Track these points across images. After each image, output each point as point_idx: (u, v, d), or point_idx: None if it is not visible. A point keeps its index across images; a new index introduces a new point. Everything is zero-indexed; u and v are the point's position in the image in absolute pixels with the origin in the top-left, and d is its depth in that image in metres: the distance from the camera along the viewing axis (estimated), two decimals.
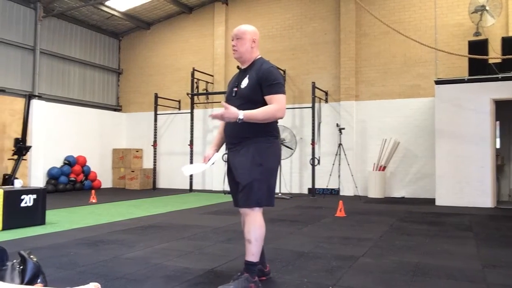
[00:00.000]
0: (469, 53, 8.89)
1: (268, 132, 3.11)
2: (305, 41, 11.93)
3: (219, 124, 3.47)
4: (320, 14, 11.84)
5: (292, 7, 12.23)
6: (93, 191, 9.85)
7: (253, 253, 3.08)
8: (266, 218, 7.09)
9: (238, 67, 3.36)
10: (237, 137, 3.14)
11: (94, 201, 9.11)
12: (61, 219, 6.58)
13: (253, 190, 3.02)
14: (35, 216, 5.97)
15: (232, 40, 3.26)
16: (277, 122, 3.19)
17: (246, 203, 3.06)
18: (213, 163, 3.33)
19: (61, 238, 5.07)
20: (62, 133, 12.07)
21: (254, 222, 3.07)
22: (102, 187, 13.10)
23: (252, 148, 3.05)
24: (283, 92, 3.07)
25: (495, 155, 8.67)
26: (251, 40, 3.21)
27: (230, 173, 3.25)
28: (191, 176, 12.33)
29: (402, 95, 10.77)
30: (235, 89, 3.21)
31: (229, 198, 10.28)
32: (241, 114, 2.93)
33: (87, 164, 12.61)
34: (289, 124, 11.37)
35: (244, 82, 3.16)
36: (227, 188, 12.46)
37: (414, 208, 8.31)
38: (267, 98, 3.04)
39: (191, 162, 12.43)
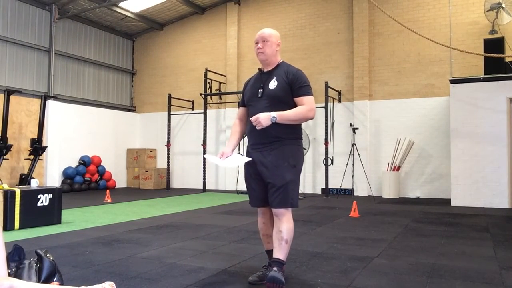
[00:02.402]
0: (485, 52, 8.77)
1: (297, 134, 3.24)
2: (318, 41, 11.88)
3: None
4: (333, 13, 11.79)
5: (304, 7, 12.19)
6: (107, 191, 9.95)
7: (286, 253, 3.11)
8: None
9: (259, 69, 3.41)
10: (268, 137, 3.15)
11: (109, 200, 9.20)
12: (77, 219, 6.66)
13: (288, 191, 3.09)
14: (51, 215, 6.05)
15: (257, 43, 3.31)
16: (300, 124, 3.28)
17: (282, 204, 3.09)
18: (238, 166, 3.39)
19: (77, 237, 5.13)
20: (77, 134, 12.21)
21: (289, 223, 3.11)
22: (116, 187, 13.22)
23: (287, 150, 3.14)
24: (312, 94, 3.19)
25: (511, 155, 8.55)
26: (276, 43, 3.33)
27: (255, 172, 3.23)
28: (204, 176, 12.38)
29: (417, 94, 10.67)
30: (260, 90, 3.25)
31: (242, 198, 10.30)
32: (274, 114, 3.02)
33: (102, 164, 12.73)
34: (302, 124, 11.33)
35: (272, 84, 3.21)
36: (241, 188, 12.53)
37: (429, 208, 8.22)
38: (297, 99, 3.13)
39: (204, 163, 12.47)
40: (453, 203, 8.69)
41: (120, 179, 13.62)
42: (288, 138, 3.15)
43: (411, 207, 8.42)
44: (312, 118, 3.14)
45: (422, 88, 10.63)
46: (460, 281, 3.36)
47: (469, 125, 8.65)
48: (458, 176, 8.69)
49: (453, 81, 8.91)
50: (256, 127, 3.05)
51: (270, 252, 3.35)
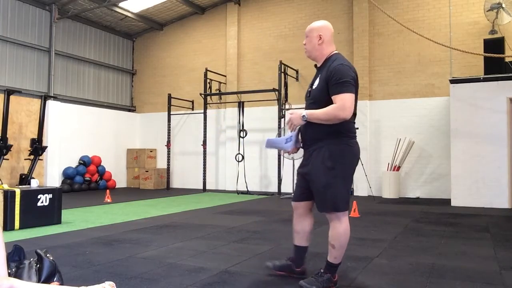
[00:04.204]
0: (485, 52, 8.77)
1: (340, 133, 2.98)
2: None
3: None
4: (333, 13, 11.78)
5: (304, 7, 12.19)
6: (108, 191, 9.94)
7: (335, 257, 3.06)
8: (279, 218, 7.11)
9: (315, 65, 3.24)
10: (310, 138, 3.09)
11: (109, 200, 9.20)
12: (77, 219, 6.66)
13: (326, 196, 2.98)
14: (51, 215, 6.05)
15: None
16: (353, 121, 3.05)
17: (323, 208, 3.04)
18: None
19: (77, 237, 5.13)
20: (77, 134, 12.21)
21: (338, 229, 3.02)
22: (116, 187, 13.22)
23: (324, 151, 2.98)
24: (349, 91, 2.89)
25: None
26: (317, 36, 3.07)
27: (300, 170, 3.22)
28: (204, 176, 12.39)
29: (417, 94, 10.67)
30: (309, 89, 3.18)
31: (242, 198, 10.32)
32: (304, 112, 2.94)
33: (102, 164, 12.73)
34: None
35: (316, 82, 3.10)
36: (241, 188, 12.54)
37: (429, 208, 8.22)
38: (332, 98, 2.91)
39: (204, 163, 12.46)
40: (453, 203, 8.69)
41: (120, 179, 13.62)
42: (328, 138, 2.97)
43: (411, 207, 8.42)
44: (345, 119, 2.87)
45: (422, 88, 10.63)
46: (460, 281, 3.36)
47: (469, 125, 8.65)
48: (458, 176, 8.69)
49: (453, 81, 8.91)
50: (289, 128, 3.03)
51: (296, 247, 3.34)
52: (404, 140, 10.48)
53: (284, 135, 3.25)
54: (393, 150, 10.52)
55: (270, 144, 3.28)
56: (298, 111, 2.99)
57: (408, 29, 8.76)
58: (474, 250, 4.50)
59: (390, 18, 8.99)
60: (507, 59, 8.67)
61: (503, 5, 9.22)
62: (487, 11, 9.42)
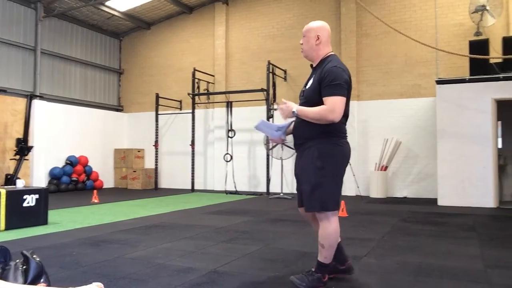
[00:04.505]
0: (470, 53, 8.88)
1: (330, 133, 2.99)
2: None
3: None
4: (321, 14, 11.82)
5: (292, 7, 12.22)
6: (95, 191, 9.86)
7: (325, 256, 3.08)
8: (268, 218, 7.12)
9: (311, 65, 3.24)
10: (300, 137, 3.11)
11: (96, 201, 9.12)
12: (64, 219, 6.59)
13: (314, 195, 2.98)
14: (38, 216, 5.98)
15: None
16: (344, 122, 3.06)
17: (310, 208, 3.05)
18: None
19: (64, 238, 5.08)
20: (63, 133, 12.08)
21: (327, 229, 3.03)
22: (104, 187, 13.11)
23: (313, 150, 2.99)
24: (340, 94, 2.90)
25: (497, 155, 8.66)
26: (315, 37, 3.07)
27: (295, 172, 3.23)
28: (192, 176, 12.36)
29: (404, 95, 10.76)
30: (303, 89, 3.19)
31: (231, 198, 10.31)
32: (295, 108, 2.94)
33: (89, 164, 12.62)
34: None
35: (310, 82, 3.11)
36: (229, 188, 12.54)
37: (416, 208, 8.30)
38: (323, 99, 2.92)
39: (193, 163, 12.44)
40: (439, 203, 8.79)
41: (108, 179, 13.51)
42: (317, 138, 2.99)
43: (399, 206, 8.50)
44: (334, 121, 2.90)
45: (409, 88, 10.73)
46: (446, 279, 3.40)
47: (455, 125, 8.75)
48: (445, 176, 8.79)
49: (439, 82, 9.01)
50: (282, 116, 3.04)
51: None
52: (391, 140, 10.57)
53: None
54: (381, 150, 10.60)
55: (261, 126, 3.22)
56: (291, 104, 3.00)
57: (395, 30, 8.84)
58: (460, 249, 4.56)
59: (378, 19, 9.06)
60: (491, 61, 8.79)
61: (487, 8, 9.35)
62: (472, 13, 9.55)
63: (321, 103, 2.94)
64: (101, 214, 7.25)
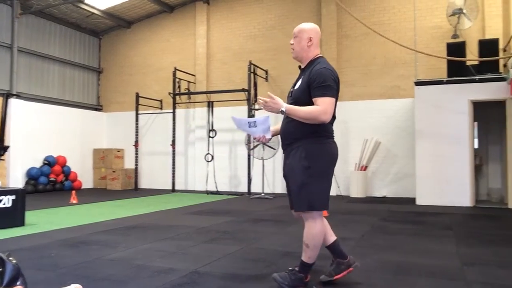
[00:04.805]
0: (448, 55, 9.05)
1: (318, 132, 3.01)
2: (287, 42, 11.82)
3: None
4: (302, 15, 11.90)
5: (273, 8, 12.26)
6: (73, 192, 9.70)
7: (309, 256, 3.10)
8: (249, 218, 7.12)
9: (299, 66, 3.24)
10: (287, 137, 3.12)
11: (74, 201, 8.98)
12: (41, 220, 6.47)
13: (301, 195, 3.00)
14: (14, 217, 5.86)
15: (291, 39, 3.19)
16: (331, 123, 3.09)
17: (297, 207, 3.07)
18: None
19: (41, 239, 4.99)
20: (41, 133, 11.86)
21: (313, 229, 3.05)
22: (82, 187, 12.92)
23: (300, 150, 3.01)
24: (331, 95, 2.93)
25: (473, 155, 8.85)
26: (307, 38, 3.09)
27: (284, 173, 3.22)
28: (173, 176, 12.29)
29: (383, 95, 10.90)
30: (292, 89, 3.19)
31: (212, 198, 10.28)
32: (284, 106, 2.92)
33: (67, 164, 12.42)
34: (272, 124, 11.39)
35: (298, 83, 3.12)
36: (210, 188, 12.49)
37: (395, 207, 8.42)
38: (314, 100, 2.94)
39: (173, 163, 12.36)
40: (418, 202, 8.93)
41: (86, 180, 13.32)
42: (305, 138, 3.00)
43: (378, 206, 8.60)
44: (325, 122, 2.93)
45: (388, 89, 10.87)
46: (424, 277, 3.46)
47: (433, 126, 8.91)
48: (423, 175, 8.94)
49: (418, 83, 9.16)
50: (264, 109, 3.02)
51: (327, 247, 3.32)
52: (371, 140, 10.69)
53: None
54: (361, 150, 10.72)
55: (236, 124, 3.21)
56: (279, 101, 2.95)
57: (374, 32, 8.94)
58: (438, 247, 4.65)
59: (358, 21, 9.15)
60: (468, 63, 8.98)
61: (464, 11, 9.55)
62: (449, 16, 9.74)
63: (309, 104, 2.96)
64: (80, 215, 7.14)
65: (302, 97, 3.01)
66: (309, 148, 3.00)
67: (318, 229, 3.05)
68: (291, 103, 3.04)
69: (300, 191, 3.00)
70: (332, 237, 3.28)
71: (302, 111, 2.92)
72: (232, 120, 3.19)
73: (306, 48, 3.11)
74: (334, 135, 3.15)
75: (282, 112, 2.95)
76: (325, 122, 2.94)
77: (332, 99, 2.94)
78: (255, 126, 3.08)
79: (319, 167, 3.00)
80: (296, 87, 3.12)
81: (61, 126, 12.51)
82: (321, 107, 2.89)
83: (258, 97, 3.02)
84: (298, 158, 3.01)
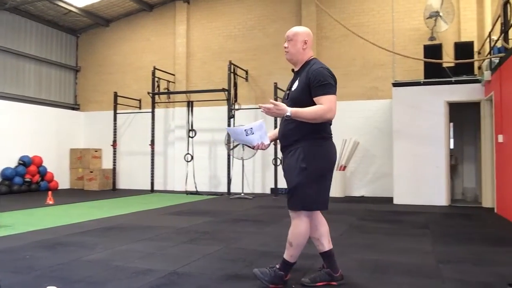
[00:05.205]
0: (425, 57, 9.21)
1: (316, 133, 3.05)
2: (267, 42, 12.00)
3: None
4: (282, 16, 11.94)
5: (254, 8, 12.27)
6: (49, 192, 9.52)
7: (291, 255, 3.12)
8: (229, 218, 7.11)
9: (292, 69, 3.30)
10: (286, 139, 3.13)
11: (51, 202, 8.81)
12: (16, 222, 6.33)
13: (296, 195, 3.02)
14: None
15: (285, 42, 3.21)
16: (330, 123, 3.12)
17: (291, 206, 3.08)
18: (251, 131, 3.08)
19: (16, 241, 4.88)
20: (16, 132, 11.60)
21: (298, 228, 3.07)
22: (59, 188, 12.69)
23: (299, 152, 3.03)
24: (333, 93, 3.00)
25: (449, 155, 9.03)
26: (303, 41, 3.16)
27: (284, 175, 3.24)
28: (152, 176, 12.18)
29: (362, 96, 11.02)
30: (288, 92, 3.21)
31: (191, 198, 10.23)
32: (289, 111, 2.92)
33: (43, 164, 12.18)
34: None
35: (295, 85, 3.13)
36: (190, 188, 12.40)
37: (373, 207, 8.53)
38: (316, 99, 2.97)
39: (152, 163, 12.25)
40: (395, 201, 9.07)
41: (63, 180, 13.08)
42: (305, 139, 3.03)
43: (356, 205, 8.70)
44: (330, 119, 2.99)
45: (367, 90, 11.00)
46: (401, 275, 3.52)
47: (410, 126, 9.06)
48: (400, 175, 9.08)
49: (396, 85, 9.30)
50: (267, 114, 3.02)
51: (322, 254, 3.31)
52: (349, 140, 10.80)
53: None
54: (339, 150, 10.81)
55: (232, 135, 3.21)
56: (283, 106, 2.95)
57: (354, 34, 9.04)
58: (414, 245, 4.73)
59: (337, 22, 9.24)
60: (444, 65, 9.16)
61: (441, 14, 9.73)
62: (427, 18, 9.91)
63: (309, 104, 2.99)
64: (56, 216, 7.02)
65: (301, 97, 3.04)
66: (307, 149, 3.03)
67: (303, 229, 3.07)
68: (289, 105, 3.05)
69: (295, 191, 3.03)
70: (328, 245, 3.28)
71: (307, 112, 2.94)
72: (227, 131, 3.18)
73: (301, 51, 3.17)
74: (332, 135, 3.19)
75: (287, 116, 2.96)
76: (331, 120, 3.00)
77: (335, 97, 3.01)
78: (253, 133, 3.09)
79: (316, 169, 3.03)
80: (293, 89, 3.15)
81: (37, 125, 12.26)
82: (325, 105, 2.94)
83: (260, 104, 3.04)
84: (296, 159, 3.03)
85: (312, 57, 3.23)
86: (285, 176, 3.15)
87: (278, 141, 3.30)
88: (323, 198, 3.09)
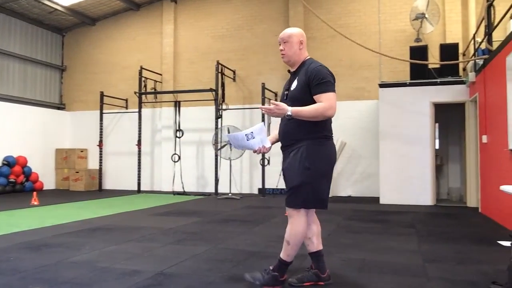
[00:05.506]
0: (411, 58, 9.30)
1: (318, 132, 3.07)
2: (255, 42, 12.01)
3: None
4: (270, 16, 11.96)
5: (242, 8, 12.27)
6: (34, 193, 9.39)
7: (288, 254, 3.11)
8: (216, 218, 7.10)
9: (288, 70, 3.31)
10: (288, 139, 3.13)
11: (36, 203, 8.70)
12: (0, 223, 6.23)
13: (298, 193, 3.02)
14: None
15: (280, 45, 3.22)
16: (330, 122, 3.15)
17: (291, 204, 3.07)
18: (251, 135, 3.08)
19: (0, 242, 4.81)
20: (0, 132, 11.43)
21: (297, 226, 3.06)
22: (44, 188, 12.54)
23: (301, 151, 3.03)
24: (333, 91, 3.04)
25: (434, 155, 9.13)
26: (298, 42, 3.17)
27: (283, 174, 3.22)
28: (139, 177, 12.09)
29: (349, 97, 11.08)
30: (286, 92, 3.21)
31: (178, 199, 10.19)
32: (289, 110, 2.93)
33: (28, 164, 12.02)
34: (239, 125, 11.40)
35: (294, 84, 3.14)
36: (177, 189, 12.34)
37: (360, 206, 8.59)
38: (315, 97, 3.00)
39: (139, 164, 12.17)
40: (381, 201, 9.14)
41: (48, 181, 12.93)
42: (306, 138, 3.04)
43: (343, 205, 8.75)
44: (331, 116, 3.02)
45: (353, 91, 11.07)
46: (388, 274, 3.55)
47: (396, 127, 9.14)
48: (386, 175, 9.16)
49: (382, 85, 9.38)
50: (269, 115, 3.02)
51: (311, 254, 3.31)
52: (336, 141, 10.82)
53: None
54: None
55: (232, 142, 3.20)
56: (283, 105, 2.96)
57: (340, 34, 9.09)
58: (401, 245, 4.78)
59: (324, 23, 9.28)
60: (430, 66, 9.26)
61: (426, 16, 9.84)
62: (413, 20, 10.01)
63: (309, 102, 3.01)
64: (42, 217, 6.93)
65: (301, 96, 3.06)
66: (310, 149, 3.04)
67: (301, 228, 3.07)
68: (289, 105, 3.05)
69: (297, 189, 3.03)
70: (319, 246, 3.30)
71: (308, 111, 2.96)
72: (227, 138, 3.16)
73: (298, 51, 3.18)
74: (333, 135, 3.21)
75: (288, 116, 2.96)
76: (331, 117, 3.03)
77: (335, 94, 3.04)
78: (253, 138, 3.09)
79: (318, 168, 3.04)
80: (292, 88, 3.16)
81: (21, 125, 12.10)
82: (326, 103, 2.96)
83: (260, 106, 3.03)
84: (299, 158, 3.04)
85: (308, 57, 3.25)
86: (286, 174, 3.13)
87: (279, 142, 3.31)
88: (323, 197, 3.11)
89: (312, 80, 3.02)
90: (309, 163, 3.01)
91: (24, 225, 6.08)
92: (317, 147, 3.06)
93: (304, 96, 3.04)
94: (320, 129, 3.08)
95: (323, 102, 2.97)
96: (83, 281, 3.30)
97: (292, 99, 3.11)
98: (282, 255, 3.16)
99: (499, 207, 6.44)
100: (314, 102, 3.00)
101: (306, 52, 3.26)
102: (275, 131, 3.35)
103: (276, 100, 2.68)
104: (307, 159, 3.02)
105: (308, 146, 3.04)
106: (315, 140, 3.06)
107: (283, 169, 3.18)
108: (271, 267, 3.19)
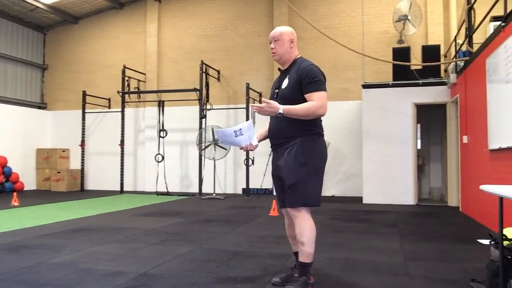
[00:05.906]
0: (393, 60, 9.41)
1: (311, 130, 3.08)
2: (240, 42, 12.01)
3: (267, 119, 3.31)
4: (254, 16, 11.97)
5: (226, 8, 12.26)
6: (15, 194, 9.24)
7: (307, 255, 3.03)
8: (200, 219, 7.08)
9: (279, 69, 3.30)
10: (281, 136, 3.11)
11: (16, 204, 8.56)
12: None
13: (297, 191, 3.00)
14: None
15: (270, 43, 3.21)
16: (320, 120, 3.16)
17: (291, 203, 3.04)
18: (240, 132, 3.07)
19: None
20: None
21: (305, 224, 3.02)
22: (25, 189, 12.33)
23: (296, 148, 3.03)
24: (324, 90, 3.05)
25: (416, 155, 9.25)
26: (289, 40, 3.19)
27: (275, 173, 3.20)
28: (122, 177, 11.98)
29: (333, 98, 11.12)
30: (277, 90, 3.19)
31: (162, 199, 10.12)
32: (281, 108, 2.91)
33: (8, 165, 11.81)
34: (223, 125, 11.39)
35: (285, 83, 3.13)
36: (160, 189, 12.27)
37: (343, 206, 8.65)
38: (307, 96, 3.00)
39: (122, 164, 12.05)
40: (364, 201, 9.23)
41: (29, 181, 12.73)
42: (301, 135, 3.04)
43: (327, 205, 8.80)
44: (322, 115, 3.04)
45: (337, 92, 11.14)
46: (370, 273, 3.59)
47: (379, 127, 9.24)
48: (369, 175, 9.25)
49: (365, 86, 9.46)
50: (260, 113, 3.00)
51: (296, 254, 3.27)
52: None
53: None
54: None
55: (220, 137, 3.20)
56: (275, 104, 2.94)
57: (324, 35, 9.14)
58: (383, 244, 4.83)
59: (308, 24, 9.32)
60: (412, 67, 9.38)
61: (409, 17, 9.97)
62: (395, 22, 10.13)
63: (300, 101, 3.01)
64: (22, 218, 6.81)
65: (292, 94, 3.06)
66: (305, 145, 3.04)
67: (310, 223, 3.04)
68: (280, 103, 3.03)
69: (296, 187, 3.02)
70: None
71: (299, 109, 2.96)
72: (215, 133, 3.14)
73: (289, 50, 3.20)
74: (324, 132, 3.23)
75: (279, 114, 2.95)
76: (323, 115, 3.04)
77: (326, 93, 3.06)
78: (242, 134, 3.08)
79: (314, 164, 3.06)
80: (283, 87, 3.15)
81: (1, 124, 11.89)
82: (317, 101, 2.97)
83: (251, 104, 3.01)
84: (294, 155, 3.03)
85: (299, 56, 3.27)
86: (283, 172, 3.09)
87: (268, 140, 3.28)
88: (319, 193, 3.12)
89: (303, 79, 3.03)
90: (305, 158, 3.02)
91: (4, 226, 5.97)
92: (311, 143, 3.07)
93: (295, 95, 3.05)
94: (312, 126, 3.09)
95: (314, 101, 2.98)
96: (65, 283, 3.26)
97: (283, 97, 3.11)
98: (300, 259, 3.07)
99: (479, 206, 6.56)
100: (305, 100, 3.01)
101: (297, 51, 3.27)
102: (260, 130, 3.34)
103: (263, 98, 2.68)
104: (303, 155, 3.02)
105: (303, 142, 3.05)
106: (308, 137, 3.07)
107: (278, 167, 3.15)
108: (296, 275, 3.11)
